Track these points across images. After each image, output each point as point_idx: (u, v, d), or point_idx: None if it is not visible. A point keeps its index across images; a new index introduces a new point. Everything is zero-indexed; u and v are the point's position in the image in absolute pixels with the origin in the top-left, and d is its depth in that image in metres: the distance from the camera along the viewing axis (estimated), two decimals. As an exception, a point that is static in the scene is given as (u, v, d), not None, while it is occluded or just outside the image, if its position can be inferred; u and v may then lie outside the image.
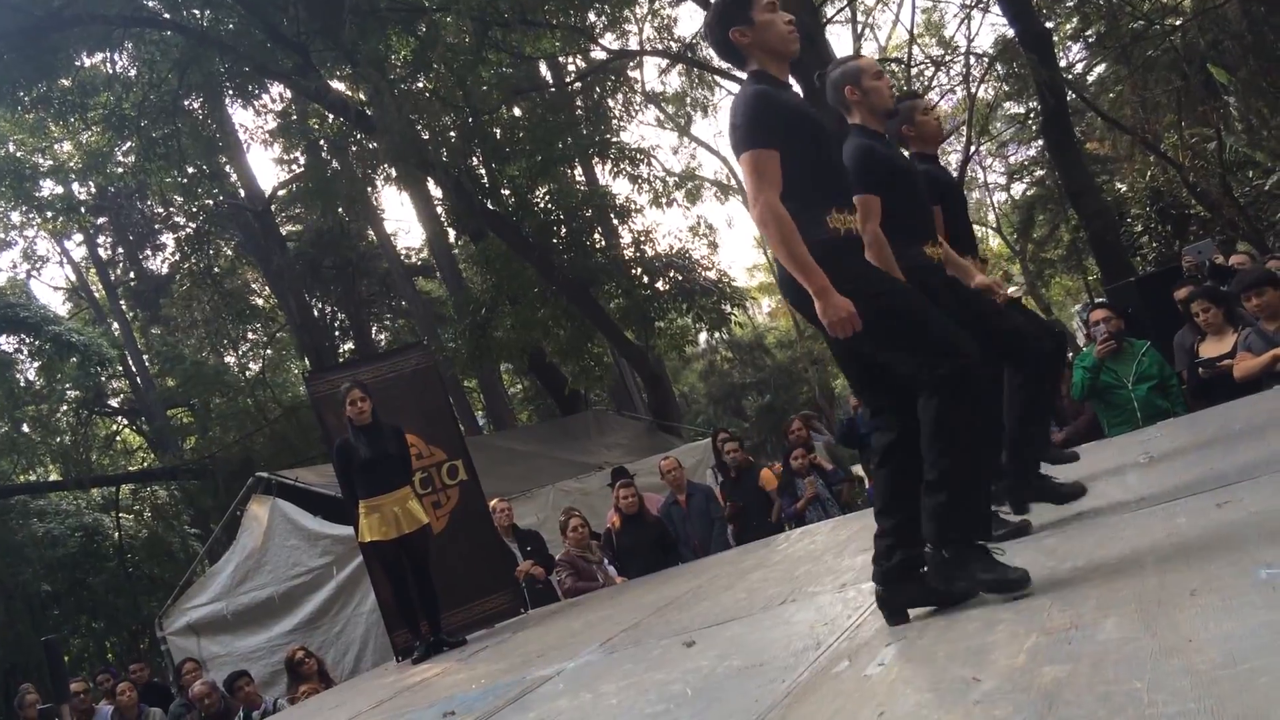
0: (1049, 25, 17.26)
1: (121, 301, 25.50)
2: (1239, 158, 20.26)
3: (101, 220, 23.27)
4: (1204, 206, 19.95)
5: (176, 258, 23.50)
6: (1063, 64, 19.86)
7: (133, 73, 16.16)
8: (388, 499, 6.28)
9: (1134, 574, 2.57)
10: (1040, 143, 21.42)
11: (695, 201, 25.22)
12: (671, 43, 18.85)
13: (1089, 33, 20.59)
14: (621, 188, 47.46)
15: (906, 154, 4.12)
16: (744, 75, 3.10)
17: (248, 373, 27.05)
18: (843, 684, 2.52)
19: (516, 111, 16.90)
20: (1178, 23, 19.23)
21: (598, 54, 18.02)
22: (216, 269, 22.93)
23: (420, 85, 15.36)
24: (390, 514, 6.26)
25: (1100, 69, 22.42)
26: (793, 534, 6.94)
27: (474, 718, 3.78)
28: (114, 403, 27.03)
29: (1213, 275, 7.82)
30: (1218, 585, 2.22)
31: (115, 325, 24.79)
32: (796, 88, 3.39)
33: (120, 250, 25.38)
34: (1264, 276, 5.92)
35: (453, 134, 14.77)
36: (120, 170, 18.06)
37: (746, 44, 3.00)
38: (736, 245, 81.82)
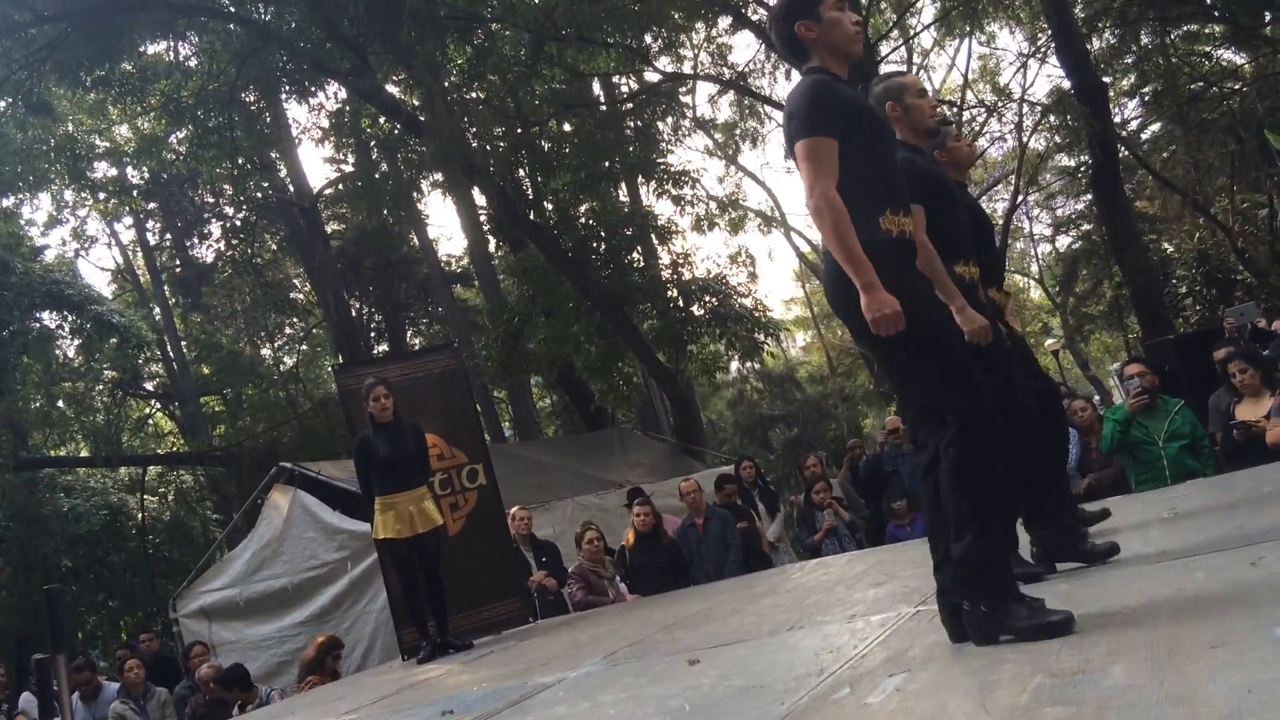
0: (1106, 80, 17.19)
1: (165, 287, 25.84)
2: (1290, 226, 20.00)
3: (152, 205, 23.59)
4: (1251, 273, 19.74)
5: (222, 246, 23.80)
6: (1117, 120, 19.76)
7: (193, 62, 16.45)
8: (404, 497, 6.29)
9: (1147, 624, 2.53)
10: (1089, 197, 21.29)
11: (738, 231, 25.19)
12: (725, 69, 18.91)
13: (1146, 90, 20.47)
14: (664, 209, 47.65)
15: None
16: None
17: (282, 366, 27.33)
18: (842, 710, 2.50)
19: (566, 126, 17.02)
20: (1236, 87, 19.09)
21: (651, 75, 18.13)
22: (259, 260, 23.19)
23: (474, 95, 15.52)
24: (405, 512, 6.27)
25: (1155, 128, 22.31)
26: (808, 564, 6.90)
27: (472, 718, 3.77)
28: (149, 386, 27.39)
29: (1254, 339, 7.71)
30: (1231, 640, 2.18)
31: (157, 310, 25.11)
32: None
33: (168, 236, 25.73)
34: (1305, 342, 5.83)
35: (501, 143, 14.88)
36: (173, 157, 18.35)
37: (811, 39, 2.96)
38: (775, 277, 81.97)
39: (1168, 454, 6.19)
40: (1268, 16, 17.17)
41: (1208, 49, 19.38)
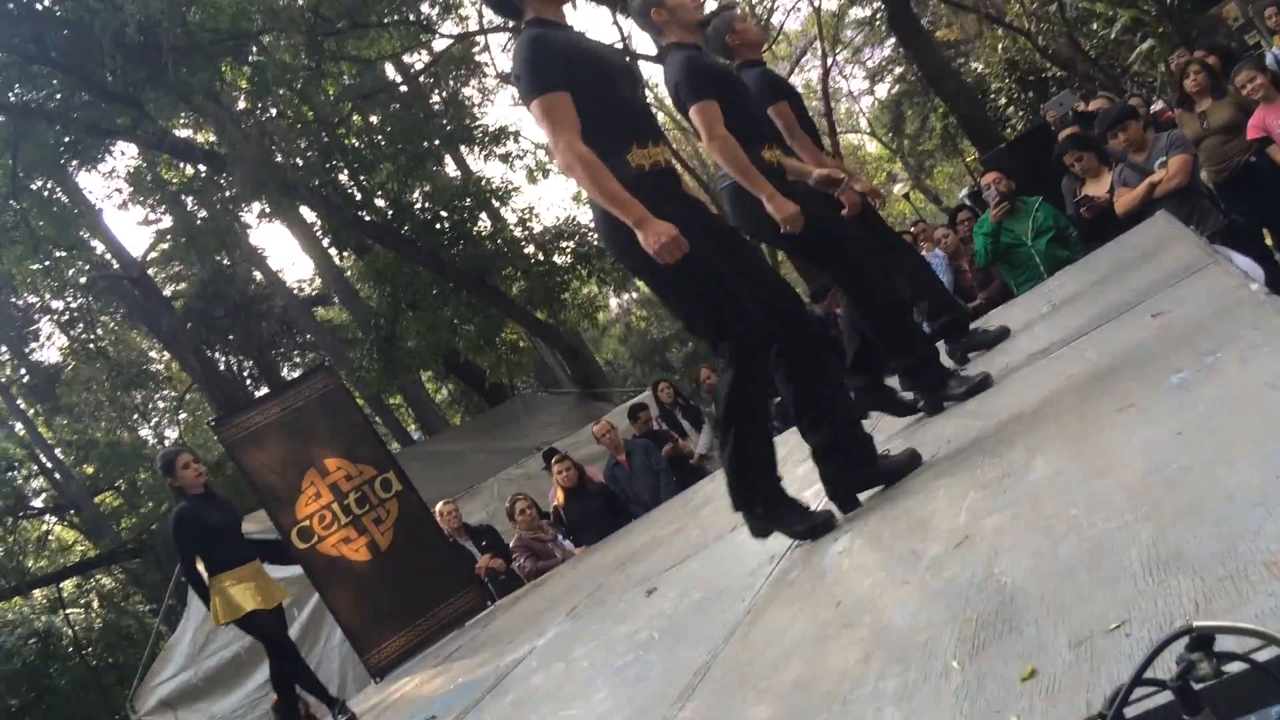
0: (874, -79, 17.43)
1: (19, 401, 24.47)
2: (1081, 13, 20.68)
3: (-26, 323, 22.22)
4: (1058, 66, 20.40)
5: (62, 341, 22.62)
6: (896, -42, 20.05)
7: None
8: (246, 570, 5.79)
9: (1054, 413, 2.59)
10: (892, 41, 21.69)
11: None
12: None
13: (915, -79, 20.78)
14: (495, 170, 46.87)
15: (735, 63, 4.07)
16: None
17: (166, 442, 26.27)
18: (799, 588, 2.51)
19: (373, 119, 16.52)
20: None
21: (440, 44, 17.70)
22: (104, 342, 22.10)
23: (270, 113, 14.89)
24: (262, 585, 5.81)
25: (933, -44, 22.74)
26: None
27: (454, 716, 3.71)
28: (38, 503, 26.02)
29: (1078, 123, 7.95)
30: (1134, 400, 2.23)
31: (19, 425, 23.79)
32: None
33: (3, 348, 24.32)
34: (1123, 111, 6.04)
35: (310, 152, 14.34)
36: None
37: None
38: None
39: (1038, 250, 6.43)
40: None
41: None
